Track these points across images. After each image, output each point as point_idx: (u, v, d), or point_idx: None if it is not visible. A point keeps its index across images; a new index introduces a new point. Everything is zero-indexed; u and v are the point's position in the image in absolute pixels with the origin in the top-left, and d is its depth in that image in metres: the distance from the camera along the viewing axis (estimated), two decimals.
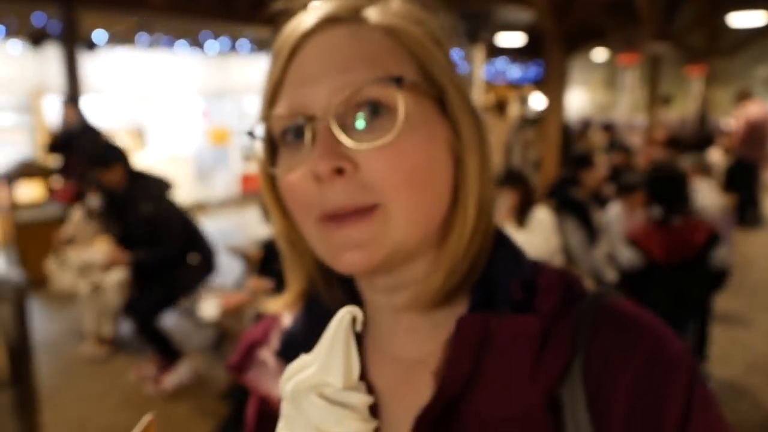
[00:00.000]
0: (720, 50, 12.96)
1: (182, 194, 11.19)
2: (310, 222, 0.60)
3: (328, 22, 0.60)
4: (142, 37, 9.64)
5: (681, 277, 3.24)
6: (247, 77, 12.19)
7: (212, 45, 10.51)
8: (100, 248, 4.46)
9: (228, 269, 7.08)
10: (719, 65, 13.52)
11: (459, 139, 0.61)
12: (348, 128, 0.57)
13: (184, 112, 11.90)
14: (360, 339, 0.68)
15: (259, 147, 0.64)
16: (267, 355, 0.73)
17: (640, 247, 3.34)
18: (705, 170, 5.52)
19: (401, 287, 0.63)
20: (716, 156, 8.66)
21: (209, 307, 3.95)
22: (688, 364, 0.56)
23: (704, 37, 12.45)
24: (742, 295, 5.69)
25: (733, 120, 9.63)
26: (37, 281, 5.52)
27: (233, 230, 8.81)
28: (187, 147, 11.69)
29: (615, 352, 0.57)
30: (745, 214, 9.08)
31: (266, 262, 3.71)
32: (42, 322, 5.57)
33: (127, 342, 5.23)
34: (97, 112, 10.13)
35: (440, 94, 0.60)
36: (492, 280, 0.62)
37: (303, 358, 0.50)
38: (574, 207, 4.72)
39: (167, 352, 4.29)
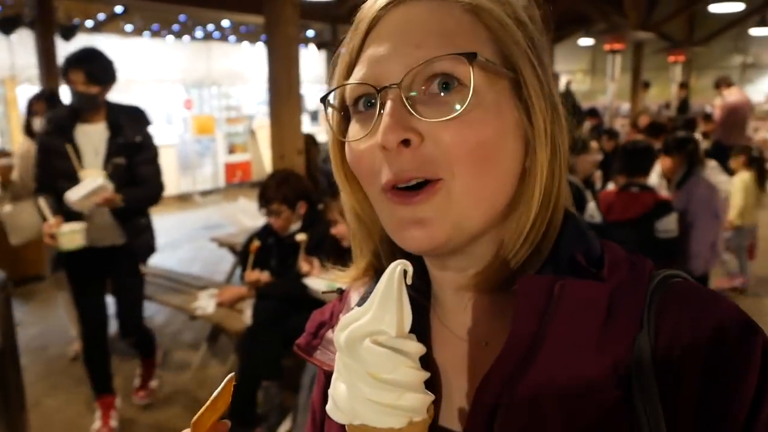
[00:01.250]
0: (698, 39, 13.12)
1: (165, 185, 11.12)
2: (375, 190, 0.61)
3: None
4: (122, 24, 9.46)
5: (628, 235, 3.73)
6: (231, 66, 12.03)
7: (195, 33, 10.34)
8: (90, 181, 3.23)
9: (217, 262, 7.04)
10: (698, 53, 13.68)
11: (531, 124, 0.60)
12: (417, 101, 0.58)
13: (166, 101, 11.73)
14: (426, 315, 0.69)
15: (331, 115, 0.65)
16: (332, 335, 0.74)
17: (601, 206, 3.89)
18: None
19: (468, 269, 0.64)
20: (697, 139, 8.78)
21: (205, 301, 3.91)
22: (762, 339, 0.55)
23: (683, 25, 12.59)
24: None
25: (712, 106, 9.77)
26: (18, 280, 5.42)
27: (219, 222, 8.73)
28: (169, 137, 11.53)
29: (684, 329, 0.56)
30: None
31: (261, 254, 3.68)
32: (27, 323, 5.47)
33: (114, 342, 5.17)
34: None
35: (516, 76, 0.59)
36: (558, 257, 0.62)
37: (356, 310, 0.51)
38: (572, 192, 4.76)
39: (152, 350, 4.08)
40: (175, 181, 11.36)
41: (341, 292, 0.81)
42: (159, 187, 3.63)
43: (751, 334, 0.55)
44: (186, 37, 10.70)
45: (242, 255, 4.07)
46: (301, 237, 3.44)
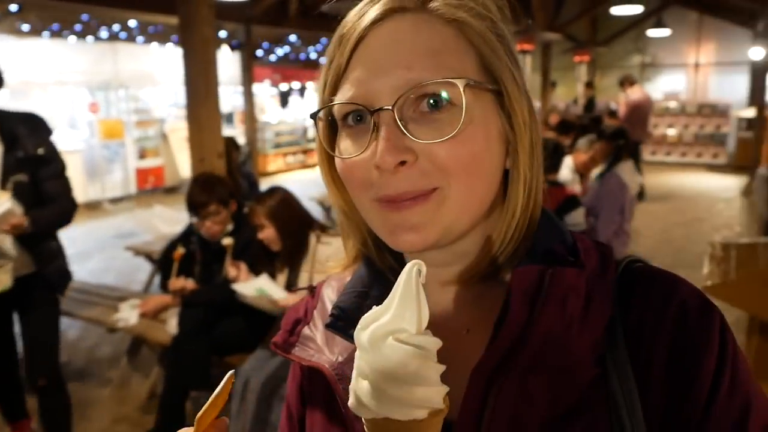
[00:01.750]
0: (601, 39, 13.84)
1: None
2: (366, 200, 0.64)
3: (395, 11, 0.62)
4: (17, 23, 8.88)
5: None
6: (140, 68, 11.53)
7: (100, 33, 9.85)
8: None
9: (132, 271, 6.75)
10: (601, 53, 14.43)
11: (513, 130, 0.64)
12: (409, 120, 0.60)
13: (69, 105, 11.11)
14: None
15: (320, 127, 0.68)
16: (310, 331, 0.77)
17: None
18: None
19: (450, 263, 0.69)
20: None
21: (127, 312, 3.74)
22: (719, 317, 0.62)
23: (587, 27, 13.25)
24: None
25: (617, 103, 10.34)
26: None
27: (132, 230, 8.37)
28: (74, 142, 10.93)
29: (650, 311, 0.62)
30: None
31: (185, 261, 3.56)
32: None
33: None
34: None
35: (499, 87, 0.63)
36: (537, 248, 0.67)
37: (375, 309, 0.53)
38: None
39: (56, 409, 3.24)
40: (82, 188, 10.77)
41: (312, 290, 0.83)
42: (71, 204, 3.12)
43: (710, 311, 0.62)
44: (90, 38, 10.16)
45: (163, 263, 3.92)
46: (227, 241, 3.35)
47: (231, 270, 3.26)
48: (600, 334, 0.61)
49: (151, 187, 11.80)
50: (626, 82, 9.72)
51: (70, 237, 8.68)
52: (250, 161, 8.44)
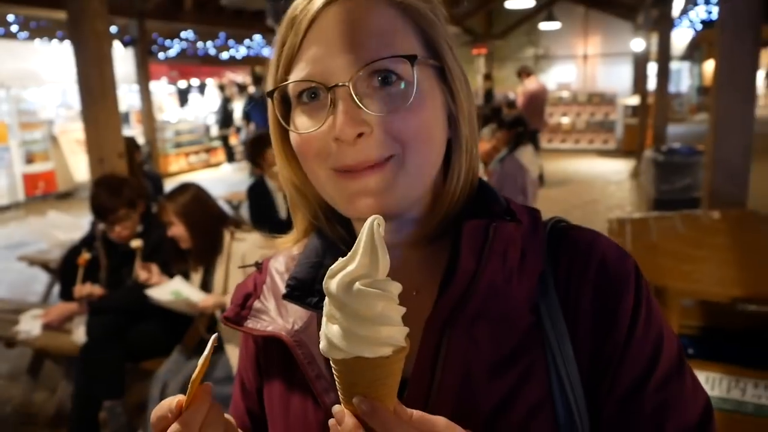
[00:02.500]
0: (497, 32, 14.34)
1: None
2: (323, 170, 0.68)
3: None
4: None
5: None
6: (22, 66, 10.74)
7: None
8: None
9: (27, 283, 6.33)
10: (497, 46, 14.96)
11: (454, 102, 0.71)
12: (363, 95, 0.65)
13: None
14: None
15: (270, 106, 0.72)
16: (261, 304, 0.81)
17: None
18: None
19: (398, 229, 0.73)
20: None
21: (29, 324, 3.51)
22: (633, 263, 0.71)
23: (483, 20, 13.70)
24: None
25: (516, 93, 10.77)
26: None
27: (24, 240, 7.84)
28: None
29: (575, 262, 0.71)
30: None
31: (90, 266, 3.39)
32: None
33: None
34: None
35: (441, 64, 0.70)
36: (478, 207, 0.73)
37: (341, 260, 0.58)
38: None
39: None
40: None
41: (259, 266, 0.86)
42: None
43: (625, 259, 0.71)
44: None
45: (64, 271, 3.70)
46: (136, 243, 3.22)
47: (141, 273, 3.13)
48: (534, 284, 0.69)
49: (42, 193, 11.08)
50: (523, 73, 10.14)
51: None
52: (151, 161, 8.13)
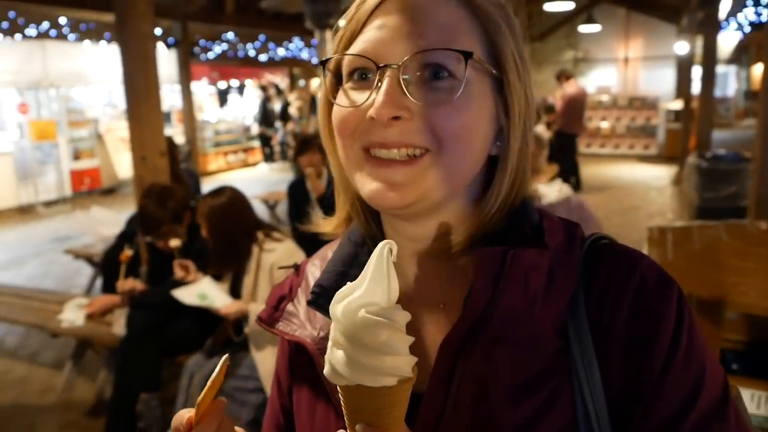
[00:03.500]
0: (535, 35, 14.19)
1: (3, 196, 10.04)
2: (355, 148, 0.67)
3: None
4: None
5: None
6: (72, 66, 11.07)
7: (28, 31, 9.42)
8: None
9: (72, 275, 6.53)
10: (536, 49, 14.81)
11: (508, 117, 0.68)
12: (411, 83, 0.64)
13: None
14: None
15: (322, 78, 0.71)
16: (293, 307, 0.80)
17: None
18: (541, 143, 6.05)
19: (427, 237, 0.71)
20: (541, 130, 9.52)
21: (73, 313, 3.62)
22: (677, 289, 0.65)
23: (522, 22, 13.54)
24: None
25: (554, 97, 10.63)
26: None
27: (69, 233, 8.08)
28: (2, 143, 10.45)
29: (612, 284, 0.66)
30: (567, 180, 10.13)
31: (133, 262, 3.48)
32: None
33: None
34: None
35: (501, 75, 0.67)
36: (506, 229, 0.70)
37: (349, 285, 0.57)
38: None
39: None
40: (13, 191, 10.33)
41: (297, 268, 0.85)
42: None
43: (669, 286, 0.65)
44: (17, 36, 9.70)
45: (106, 265, 3.82)
46: (174, 243, 3.28)
47: (178, 271, 3.19)
48: (563, 307, 0.65)
49: (87, 189, 11.40)
50: (563, 76, 10.00)
51: (4, 242, 8.33)
52: (190, 160, 8.29)
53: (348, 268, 0.76)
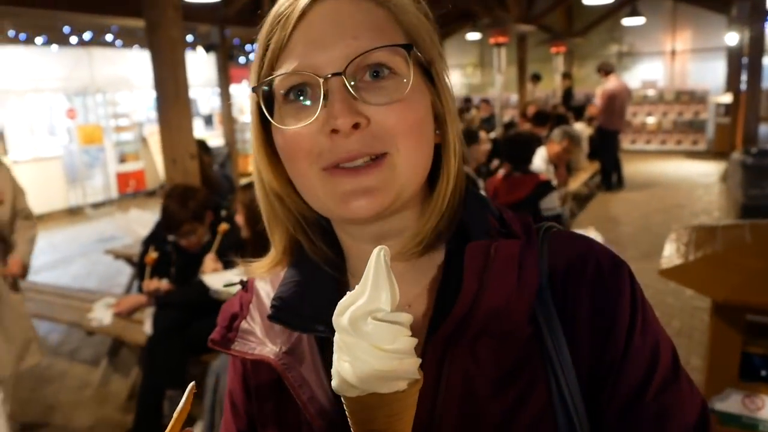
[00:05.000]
0: (577, 30, 13.90)
1: (53, 199, 10.46)
2: (314, 170, 0.66)
3: None
4: None
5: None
6: (116, 72, 11.44)
7: (75, 39, 9.77)
8: None
9: (114, 275, 6.75)
10: (578, 44, 14.51)
11: (441, 103, 0.70)
12: (357, 88, 0.64)
13: (46, 111, 11.04)
14: (344, 288, 0.70)
15: (252, 104, 0.70)
16: (248, 324, 0.77)
17: (488, 192, 4.33)
18: (574, 140, 5.94)
19: (389, 236, 0.71)
20: (580, 126, 9.32)
21: (101, 312, 3.75)
22: (627, 269, 0.70)
23: (562, 17, 13.31)
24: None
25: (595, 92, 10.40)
26: None
27: (114, 234, 8.35)
28: (53, 148, 10.87)
29: (572, 270, 0.69)
30: (609, 178, 9.91)
31: (160, 263, 3.58)
32: None
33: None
34: None
35: (428, 63, 0.69)
36: (468, 221, 0.71)
37: (349, 294, 0.56)
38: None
39: None
40: (63, 194, 10.74)
41: (244, 284, 0.84)
42: None
43: (621, 267, 0.70)
44: (65, 44, 10.08)
45: (139, 266, 3.94)
46: (224, 226, 3.37)
47: (209, 263, 3.27)
48: (533, 297, 0.67)
49: (132, 191, 11.76)
50: (603, 70, 9.77)
51: (53, 243, 8.67)
52: (230, 162, 8.44)
53: (308, 279, 0.75)
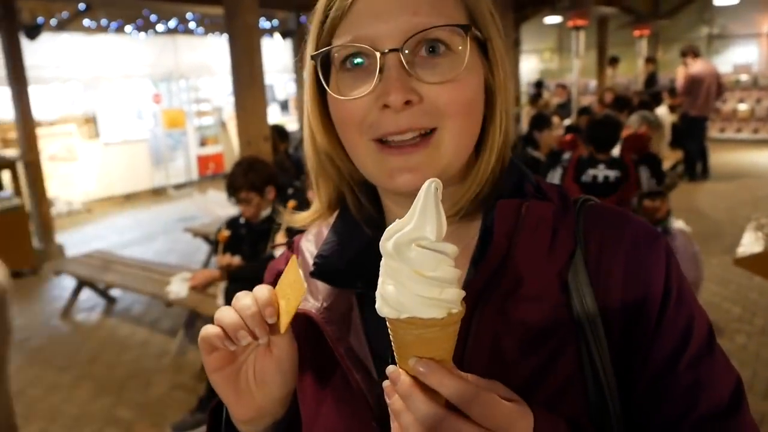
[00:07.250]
0: (663, 12, 13.26)
1: (140, 180, 11.04)
2: (363, 141, 0.68)
3: None
4: (87, 21, 9.34)
5: None
6: (198, 59, 11.89)
7: (160, 27, 10.23)
8: None
9: (192, 252, 7.08)
10: (664, 26, 13.84)
11: (494, 78, 0.71)
12: (412, 64, 0.65)
13: (134, 97, 11.62)
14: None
15: (310, 69, 0.72)
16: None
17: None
18: (654, 126, 5.72)
19: None
20: (662, 112, 8.90)
21: (178, 285, 3.96)
22: (664, 241, 0.72)
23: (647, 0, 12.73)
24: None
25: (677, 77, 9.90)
26: None
27: (194, 214, 8.74)
28: (140, 132, 11.45)
29: (607, 240, 0.70)
30: (693, 167, 9.43)
31: (234, 241, 3.74)
32: None
33: (96, 327, 5.21)
34: (44, 102, 9.85)
35: (485, 40, 0.70)
36: (509, 186, 0.74)
37: (398, 221, 0.57)
38: (530, 165, 4.89)
39: None
40: (149, 175, 11.30)
41: (291, 244, 0.88)
42: None
43: (657, 239, 0.71)
44: (151, 32, 10.57)
45: (215, 243, 4.13)
46: (291, 204, 3.48)
47: (280, 237, 3.39)
48: (565, 263, 0.69)
49: (212, 174, 12.22)
50: (689, 53, 9.24)
51: (138, 221, 9.17)
52: (302, 145, 8.63)
53: (347, 240, 0.78)
